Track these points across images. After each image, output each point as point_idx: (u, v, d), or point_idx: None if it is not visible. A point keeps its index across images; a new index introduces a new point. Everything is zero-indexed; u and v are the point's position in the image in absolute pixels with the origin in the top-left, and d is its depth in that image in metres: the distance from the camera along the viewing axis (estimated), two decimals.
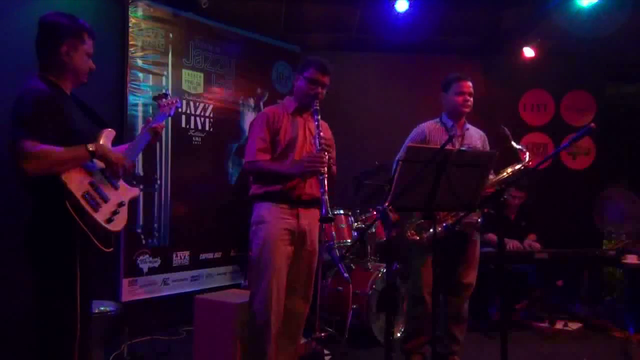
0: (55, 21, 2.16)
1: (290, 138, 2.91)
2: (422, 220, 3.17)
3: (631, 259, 4.44)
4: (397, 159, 3.47)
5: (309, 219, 2.94)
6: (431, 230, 3.08)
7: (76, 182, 2.02)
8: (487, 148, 3.42)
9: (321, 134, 2.83)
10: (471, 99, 3.35)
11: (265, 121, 2.90)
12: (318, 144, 2.79)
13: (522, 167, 3.15)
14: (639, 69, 5.78)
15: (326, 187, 2.69)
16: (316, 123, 2.86)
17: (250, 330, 2.86)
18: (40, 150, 1.93)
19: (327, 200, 2.67)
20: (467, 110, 3.35)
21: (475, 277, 3.41)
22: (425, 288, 3.25)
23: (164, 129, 2.59)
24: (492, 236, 4.77)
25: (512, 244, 4.64)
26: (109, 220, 2.11)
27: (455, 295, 3.36)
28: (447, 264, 3.27)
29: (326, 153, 2.77)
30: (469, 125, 3.45)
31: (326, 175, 2.72)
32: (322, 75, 2.93)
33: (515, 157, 3.26)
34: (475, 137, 3.44)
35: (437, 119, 3.45)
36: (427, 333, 3.33)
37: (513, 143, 3.18)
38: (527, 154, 3.15)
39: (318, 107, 2.90)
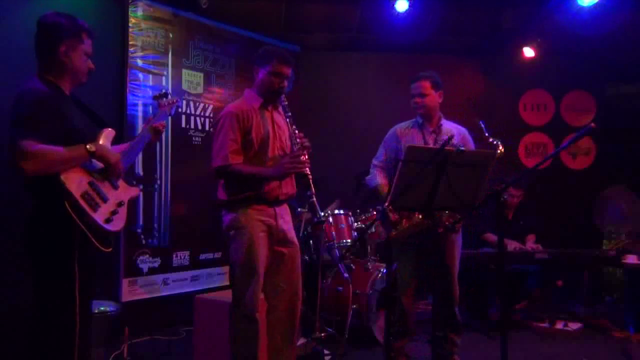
0: (54, 21, 2.16)
1: (262, 135, 2.78)
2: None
3: (631, 259, 4.44)
4: (373, 163, 3.42)
5: (285, 216, 2.88)
6: (405, 225, 3.03)
7: (75, 182, 2.02)
8: (469, 144, 3.34)
9: (297, 131, 2.74)
10: (422, 99, 3.25)
11: (235, 120, 2.73)
12: (295, 143, 2.70)
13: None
14: (639, 69, 5.78)
15: (313, 189, 2.62)
16: (288, 120, 2.77)
17: (241, 332, 2.78)
18: (39, 149, 1.93)
19: (316, 203, 2.62)
20: (420, 111, 3.28)
21: (457, 268, 3.34)
22: (400, 288, 3.24)
23: (165, 127, 2.58)
24: (491, 236, 4.78)
25: (512, 245, 4.63)
26: (108, 220, 2.10)
27: (444, 297, 3.29)
28: (426, 262, 3.24)
29: (305, 152, 2.68)
30: (444, 122, 3.37)
31: (310, 176, 2.65)
32: (285, 67, 2.79)
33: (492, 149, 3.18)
34: (455, 135, 3.34)
35: (414, 119, 3.41)
36: (410, 333, 3.36)
37: (487, 135, 3.12)
38: (501, 146, 3.06)
39: (286, 102, 2.79)
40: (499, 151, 3.02)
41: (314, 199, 2.62)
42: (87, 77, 2.26)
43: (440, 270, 3.23)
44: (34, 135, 1.94)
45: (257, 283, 2.73)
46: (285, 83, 2.82)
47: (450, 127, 3.35)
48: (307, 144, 2.73)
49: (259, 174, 2.74)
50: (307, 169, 2.67)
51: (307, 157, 2.68)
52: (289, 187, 2.85)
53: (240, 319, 2.77)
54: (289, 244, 2.88)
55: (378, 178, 3.35)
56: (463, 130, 3.42)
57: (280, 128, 2.88)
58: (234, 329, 2.79)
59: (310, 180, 2.65)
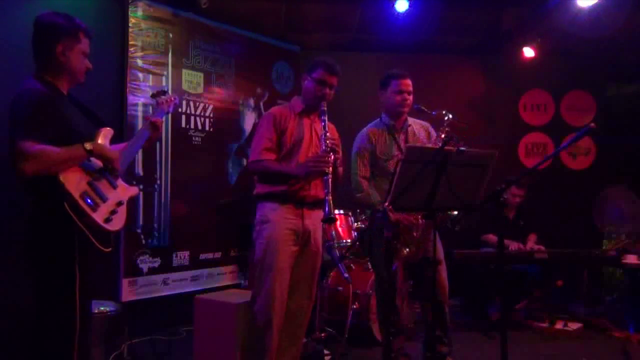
0: (51, 21, 2.16)
1: (296, 139, 2.91)
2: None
3: (631, 259, 4.44)
4: (361, 175, 3.28)
5: (313, 219, 2.93)
6: (406, 250, 3.07)
7: (74, 182, 2.02)
8: (433, 136, 3.34)
9: (328, 134, 2.81)
10: (410, 97, 3.26)
11: (272, 121, 2.90)
12: (324, 145, 2.77)
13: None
14: (639, 69, 5.78)
15: (330, 187, 2.68)
16: (323, 124, 2.85)
17: (251, 330, 2.85)
18: (38, 150, 1.93)
19: (331, 201, 2.66)
20: (406, 110, 3.27)
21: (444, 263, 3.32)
22: (399, 295, 3.23)
23: (163, 124, 2.57)
24: (491, 237, 4.77)
25: (513, 246, 4.62)
26: (107, 220, 2.10)
27: (437, 294, 3.27)
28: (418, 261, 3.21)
29: (332, 154, 2.75)
30: (411, 121, 3.37)
31: (330, 176, 2.70)
32: (329, 76, 2.91)
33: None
34: (420, 132, 3.37)
35: (377, 120, 3.39)
36: (405, 332, 3.35)
37: (448, 116, 3.11)
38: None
39: (325, 108, 2.88)
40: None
41: (329, 197, 2.66)
42: (85, 76, 2.26)
43: (432, 265, 3.19)
44: (33, 135, 1.94)
45: (272, 281, 2.77)
46: (328, 91, 2.92)
47: (415, 126, 3.38)
48: (335, 147, 2.79)
49: (284, 171, 2.86)
50: (329, 169, 2.71)
51: (332, 159, 2.73)
52: (318, 190, 2.87)
53: (253, 316, 2.83)
54: (312, 246, 2.95)
55: (374, 194, 3.24)
56: (427, 125, 3.44)
57: (318, 135, 2.95)
58: (249, 325, 2.86)
59: (329, 181, 2.69)
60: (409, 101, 3.27)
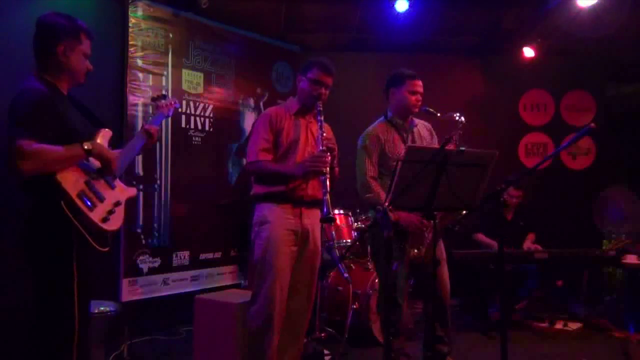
0: (52, 21, 2.16)
1: (292, 139, 2.91)
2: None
3: (631, 259, 4.44)
4: (370, 176, 3.24)
5: (312, 218, 2.94)
6: (415, 250, 3.09)
7: (71, 182, 2.02)
8: (435, 138, 3.38)
9: (324, 134, 2.82)
10: (421, 97, 3.29)
11: (268, 121, 2.90)
12: (321, 145, 2.77)
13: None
14: (639, 69, 5.78)
15: (328, 187, 2.69)
16: (319, 124, 2.85)
17: (250, 331, 2.86)
18: (36, 149, 1.93)
19: (329, 201, 2.66)
20: (417, 110, 3.28)
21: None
22: (401, 293, 3.23)
23: (158, 131, 2.55)
24: (480, 236, 4.78)
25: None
26: (105, 220, 2.10)
27: (439, 292, 3.25)
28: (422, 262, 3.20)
29: (329, 154, 2.75)
30: (416, 121, 3.39)
31: (328, 176, 2.71)
32: (325, 76, 2.92)
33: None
34: (424, 132, 3.40)
35: (383, 119, 3.38)
36: (405, 333, 3.33)
37: (461, 119, 3.11)
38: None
39: (321, 108, 2.88)
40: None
41: (327, 197, 2.67)
42: (85, 77, 2.27)
43: (434, 265, 3.18)
44: (32, 134, 1.94)
45: (272, 282, 2.78)
46: (323, 90, 2.92)
47: (420, 127, 3.39)
48: (332, 148, 2.80)
49: (281, 171, 2.86)
50: (327, 169, 2.72)
51: (329, 159, 2.74)
52: (316, 190, 2.88)
53: (251, 316, 2.83)
54: (311, 245, 2.95)
55: (382, 195, 3.19)
56: (429, 125, 3.47)
57: (314, 136, 2.95)
58: (248, 324, 2.86)
59: (327, 181, 2.70)
60: (420, 102, 3.29)
